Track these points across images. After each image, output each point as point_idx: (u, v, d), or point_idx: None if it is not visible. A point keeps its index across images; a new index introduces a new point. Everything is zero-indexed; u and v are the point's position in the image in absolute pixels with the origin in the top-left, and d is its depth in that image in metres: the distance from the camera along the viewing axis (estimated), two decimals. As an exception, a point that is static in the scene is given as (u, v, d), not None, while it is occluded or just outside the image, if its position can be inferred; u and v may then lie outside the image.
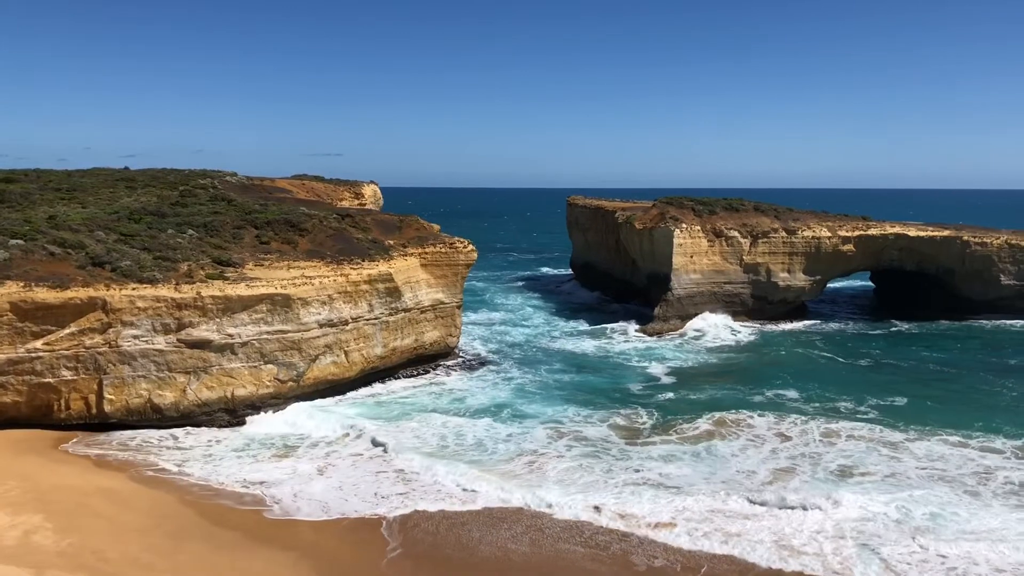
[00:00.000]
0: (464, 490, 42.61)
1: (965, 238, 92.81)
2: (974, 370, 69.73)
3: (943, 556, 35.44)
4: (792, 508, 40.04)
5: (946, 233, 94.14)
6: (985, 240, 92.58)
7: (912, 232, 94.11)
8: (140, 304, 50.28)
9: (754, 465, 46.58)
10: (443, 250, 70.04)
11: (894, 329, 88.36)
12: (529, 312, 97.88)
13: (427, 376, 66.19)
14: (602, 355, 74.84)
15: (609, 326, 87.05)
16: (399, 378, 64.91)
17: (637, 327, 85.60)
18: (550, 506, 40.49)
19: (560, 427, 53.20)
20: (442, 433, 51.59)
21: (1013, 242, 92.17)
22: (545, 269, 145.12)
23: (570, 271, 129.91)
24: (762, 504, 40.75)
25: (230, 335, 52.60)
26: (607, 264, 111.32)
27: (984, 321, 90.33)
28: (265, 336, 54.00)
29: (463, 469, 45.12)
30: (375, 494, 41.99)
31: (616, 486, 43.08)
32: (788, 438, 51.21)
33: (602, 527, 38.51)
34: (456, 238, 72.83)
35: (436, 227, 76.20)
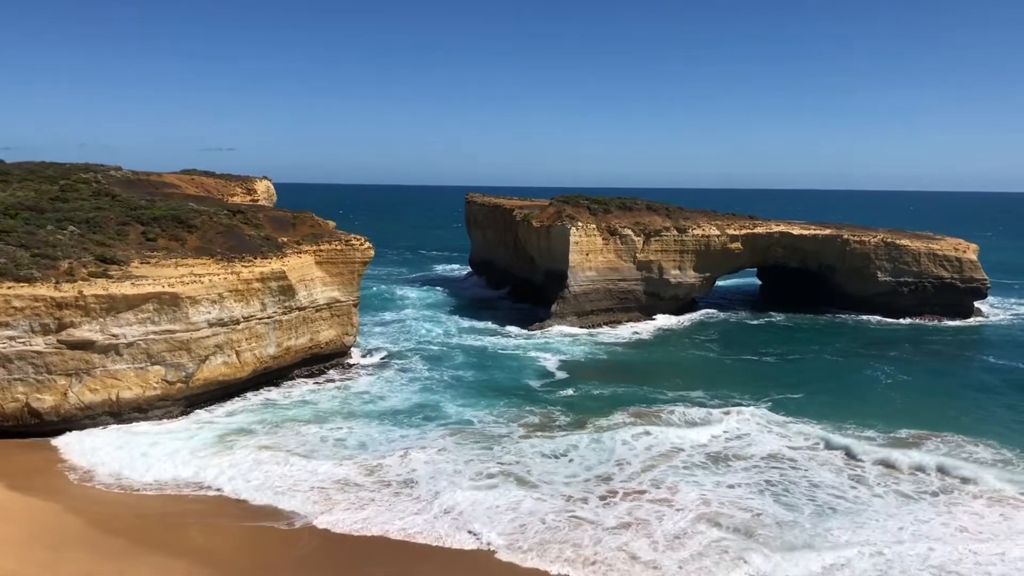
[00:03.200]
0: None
1: (845, 236, 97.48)
2: (853, 363, 73.22)
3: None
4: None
5: (827, 232, 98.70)
6: (863, 239, 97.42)
7: (796, 231, 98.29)
8: (16, 304, 47.72)
9: (630, 458, 47.43)
10: (339, 247, 69.09)
11: (779, 324, 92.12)
12: (429, 310, 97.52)
13: (325, 376, 65.26)
14: (501, 352, 75.27)
15: (508, 323, 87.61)
16: (296, 379, 63.78)
17: (536, 324, 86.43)
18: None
19: (454, 425, 53.26)
20: (322, 435, 50.64)
21: (889, 240, 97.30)
22: (445, 267, 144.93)
23: (469, 269, 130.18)
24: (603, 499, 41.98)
25: (114, 335, 50.51)
26: (506, 262, 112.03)
27: (863, 316, 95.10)
28: (152, 336, 52.07)
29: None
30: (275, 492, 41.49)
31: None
32: (683, 434, 52.17)
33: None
34: (352, 235, 71.93)
35: (332, 224, 75.05)
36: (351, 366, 68.41)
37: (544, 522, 38.55)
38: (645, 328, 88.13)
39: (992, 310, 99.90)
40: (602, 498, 41.57)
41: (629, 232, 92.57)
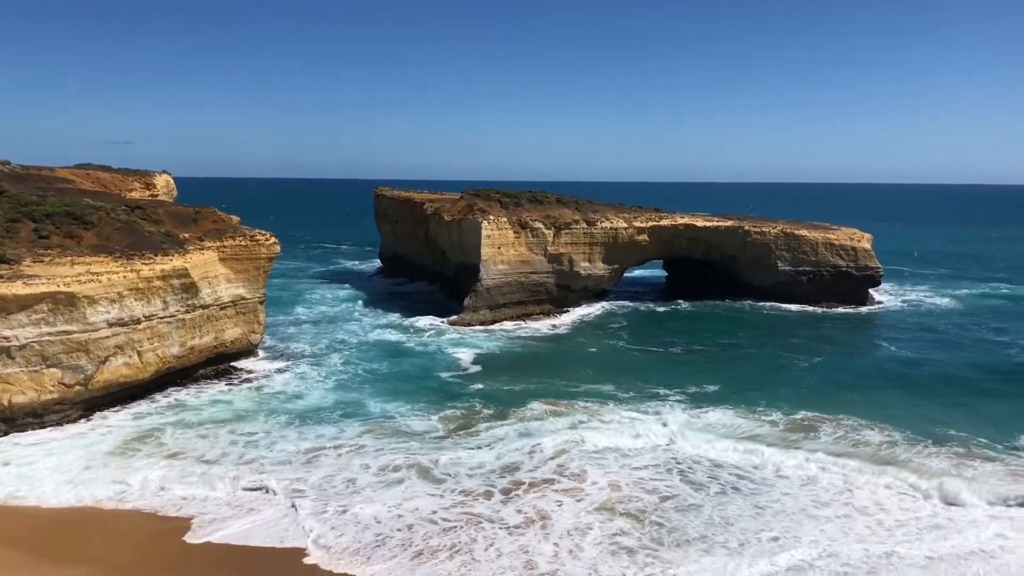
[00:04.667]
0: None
1: (746, 228, 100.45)
2: (756, 351, 75.70)
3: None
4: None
5: (729, 223, 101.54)
6: (764, 230, 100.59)
7: (700, 223, 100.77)
8: None
9: (541, 448, 47.92)
10: (243, 243, 67.56)
11: (686, 313, 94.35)
12: (341, 305, 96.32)
13: (239, 375, 63.84)
14: (417, 347, 74.96)
15: (421, 317, 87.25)
16: (207, 379, 62.19)
17: (449, 318, 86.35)
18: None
19: (374, 421, 52.89)
20: (233, 438, 49.41)
21: (788, 231, 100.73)
22: (356, 262, 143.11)
23: (379, 263, 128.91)
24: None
25: (6, 337, 48.25)
26: (416, 256, 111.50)
27: (764, 304, 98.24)
28: (47, 338, 49.94)
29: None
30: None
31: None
32: (597, 425, 53.15)
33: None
34: (257, 230, 70.41)
35: (236, 219, 73.26)
36: (264, 364, 67.03)
37: (437, 523, 38.20)
38: (557, 320, 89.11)
39: (886, 297, 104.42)
40: (506, 492, 41.88)
41: (540, 225, 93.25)
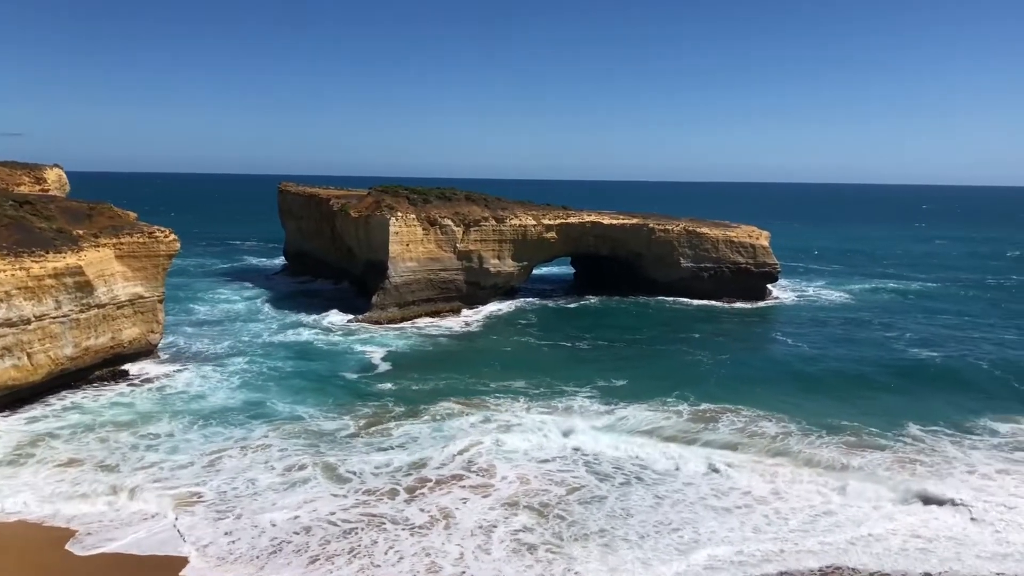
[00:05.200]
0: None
1: (651, 225, 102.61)
2: (661, 345, 77.39)
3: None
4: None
5: (634, 221, 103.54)
6: (667, 227, 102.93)
7: (606, 220, 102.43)
8: None
9: (450, 445, 48.02)
10: (141, 240, 65.34)
11: (593, 309, 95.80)
12: (246, 303, 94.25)
13: (141, 376, 61.69)
14: (324, 346, 73.94)
15: (328, 316, 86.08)
16: (107, 380, 59.90)
17: (357, 316, 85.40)
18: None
19: (282, 422, 52.03)
20: (133, 442, 47.78)
21: (690, 229, 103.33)
22: (260, 259, 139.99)
23: (284, 260, 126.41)
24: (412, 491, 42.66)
25: None
26: (323, 253, 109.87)
27: (668, 299, 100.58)
28: (-74, 340, 47.26)
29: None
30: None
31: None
32: (509, 421, 53.54)
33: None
34: (156, 227, 68.16)
35: (133, 215, 70.77)
36: (165, 365, 64.94)
37: (337, 525, 37.51)
38: (467, 317, 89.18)
39: (783, 292, 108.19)
40: (412, 490, 41.66)
41: (449, 222, 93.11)
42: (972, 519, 38.91)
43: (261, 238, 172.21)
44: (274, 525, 37.26)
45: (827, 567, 34.48)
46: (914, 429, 52.17)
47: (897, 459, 47.07)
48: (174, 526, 37.20)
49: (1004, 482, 43.45)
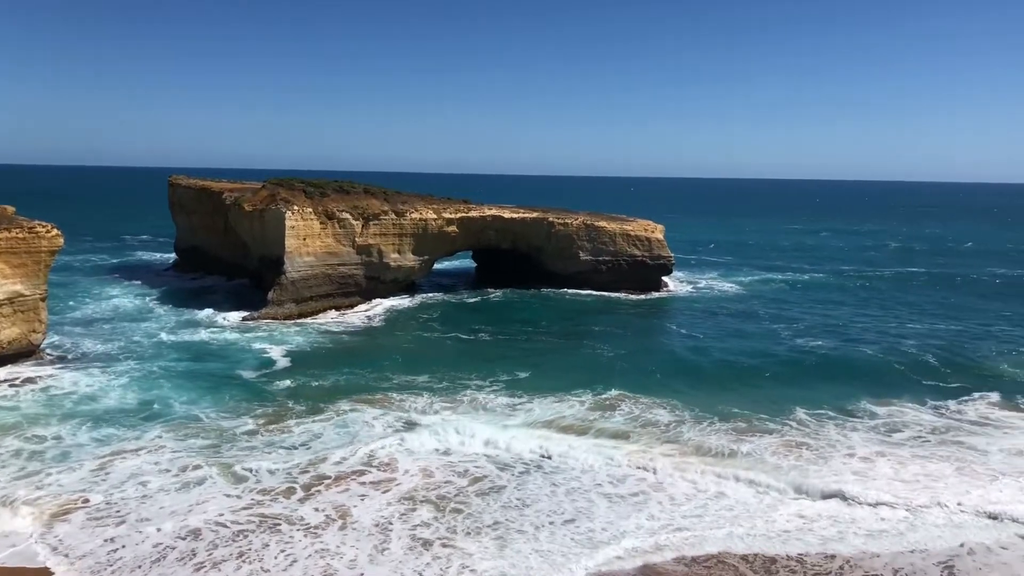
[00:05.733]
0: None
1: (551, 219, 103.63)
2: (563, 337, 78.24)
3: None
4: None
5: (535, 215, 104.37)
6: (567, 221, 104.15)
7: (507, 214, 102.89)
8: None
9: (354, 441, 47.62)
10: (20, 235, 62.05)
11: (495, 303, 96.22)
12: (135, 302, 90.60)
13: (23, 377, 58.53)
14: (221, 344, 71.82)
15: (223, 313, 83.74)
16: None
17: (252, 312, 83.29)
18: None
19: (178, 422, 50.35)
20: (16, 447, 45.36)
21: (589, 223, 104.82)
22: (150, 254, 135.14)
23: (175, 256, 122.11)
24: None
25: None
26: (216, 248, 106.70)
27: (568, 292, 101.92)
28: None
29: None
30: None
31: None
32: (412, 416, 53.01)
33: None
34: (37, 222, 64.83)
35: (11, 209, 67.16)
36: (49, 367, 61.83)
37: (228, 527, 36.27)
38: (368, 312, 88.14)
39: (678, 284, 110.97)
40: (308, 487, 40.77)
41: (347, 216, 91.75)
42: (852, 500, 40.58)
43: (152, 233, 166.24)
44: (159, 530, 35.76)
45: (723, 552, 35.35)
46: (801, 413, 54.27)
47: (784, 443, 48.81)
48: (43, 537, 35.05)
49: (880, 464, 45.56)
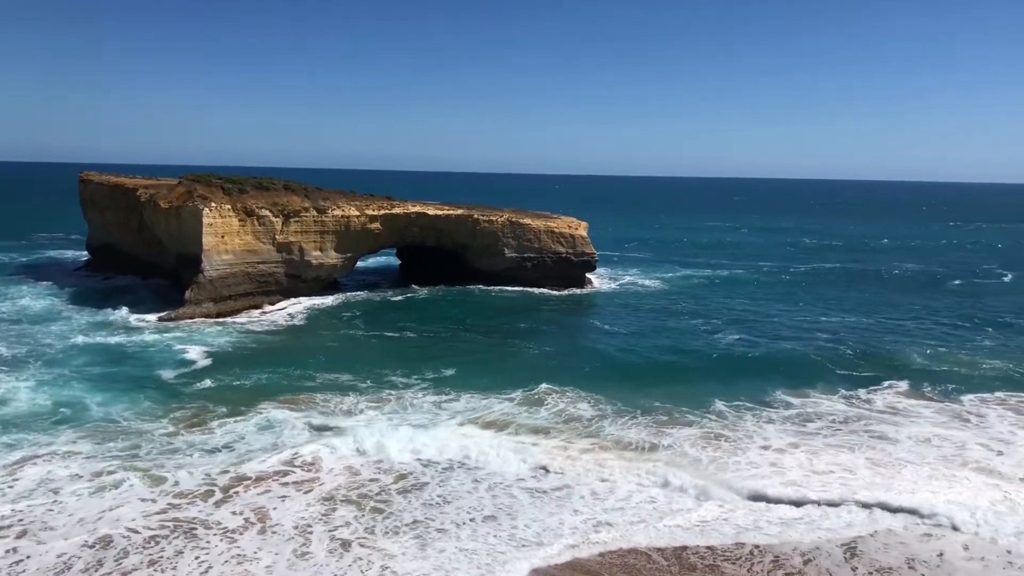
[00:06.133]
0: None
1: (476, 216, 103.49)
2: (489, 334, 78.10)
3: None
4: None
5: (459, 212, 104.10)
6: (492, 218, 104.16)
7: (431, 211, 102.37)
8: None
9: (277, 441, 46.91)
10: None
11: (420, 300, 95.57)
12: (44, 302, 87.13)
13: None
14: (138, 345, 69.52)
15: (139, 313, 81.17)
16: None
17: (170, 312, 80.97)
18: None
19: (93, 425, 48.67)
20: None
21: (514, 220, 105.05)
22: (60, 252, 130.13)
23: (87, 255, 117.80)
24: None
25: None
26: (131, 246, 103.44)
27: (493, 288, 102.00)
28: None
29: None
30: None
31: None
32: (337, 415, 52.34)
33: None
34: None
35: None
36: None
37: (140, 533, 35.04)
38: (289, 311, 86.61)
39: (601, 280, 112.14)
40: (227, 489, 39.88)
41: (267, 213, 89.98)
42: (767, 492, 41.42)
43: (63, 230, 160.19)
44: (66, 539, 34.36)
45: (648, 546, 35.67)
46: (720, 405, 55.43)
47: (704, 435, 49.73)
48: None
49: (795, 455, 46.75)
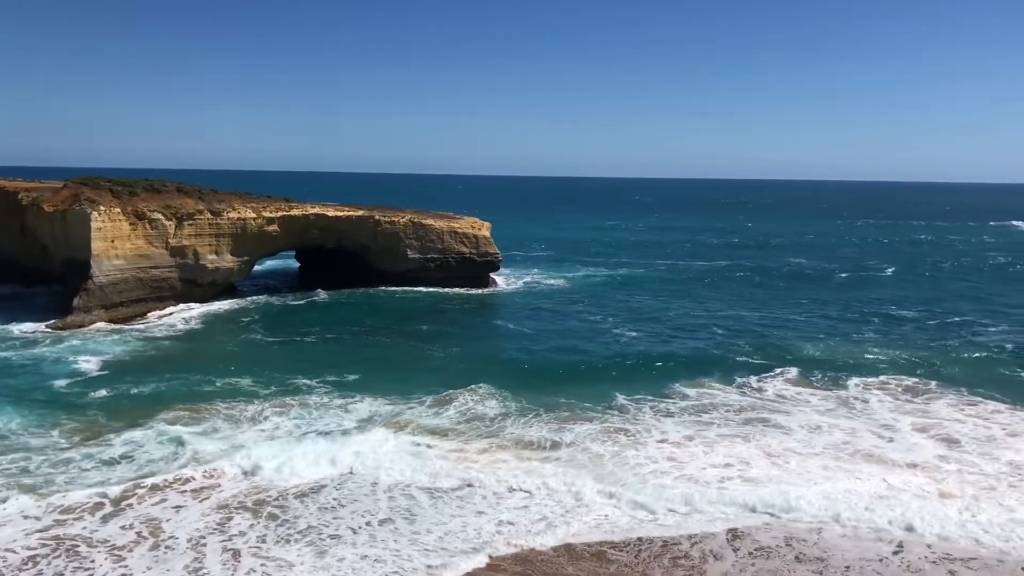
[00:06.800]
0: None
1: (377, 217, 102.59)
2: (392, 336, 77.41)
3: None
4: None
5: (360, 213, 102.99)
6: (393, 219, 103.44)
7: (331, 213, 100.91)
8: None
9: (180, 453, 45.45)
10: None
11: (321, 304, 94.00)
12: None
13: None
14: (20, 357, 65.94)
15: (22, 323, 77.26)
16: None
17: (57, 321, 77.42)
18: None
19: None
20: None
21: (416, 220, 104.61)
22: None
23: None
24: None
25: None
26: (12, 251, 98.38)
27: (396, 290, 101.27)
28: None
29: None
30: None
31: None
32: (239, 422, 51.09)
33: None
34: None
35: None
36: None
37: (17, 553, 33.08)
38: (185, 317, 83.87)
39: (505, 280, 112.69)
40: (118, 502, 38.32)
41: (160, 216, 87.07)
42: (666, 486, 42.02)
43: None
44: (-68, 567, 32.38)
45: (558, 544, 35.90)
46: (621, 399, 56.46)
47: (604, 430, 50.48)
48: None
49: (691, 448, 47.84)
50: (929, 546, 36.20)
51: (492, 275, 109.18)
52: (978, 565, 34.62)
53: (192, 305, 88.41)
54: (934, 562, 34.91)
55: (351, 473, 42.87)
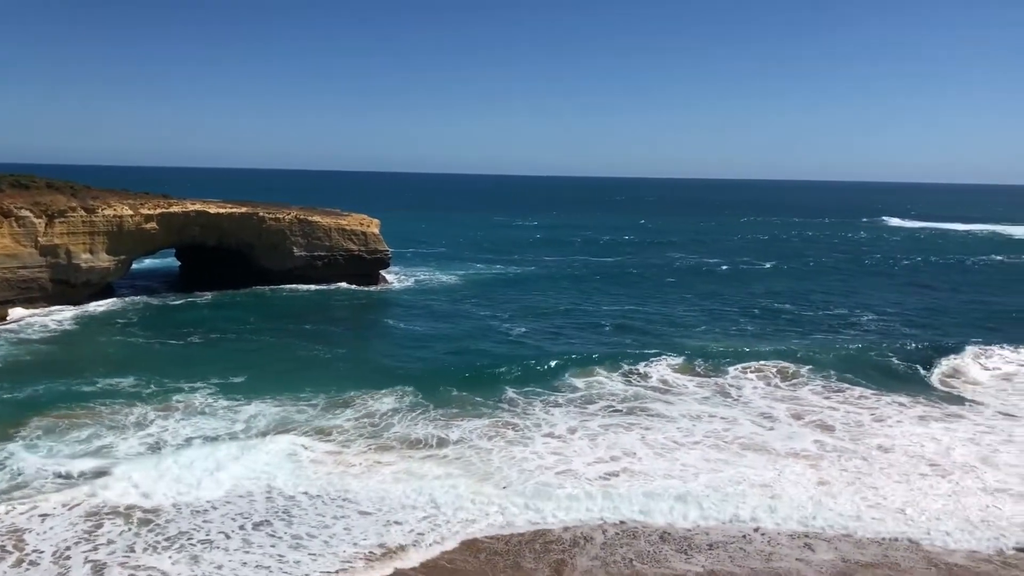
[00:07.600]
0: None
1: (261, 214, 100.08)
2: (280, 336, 75.50)
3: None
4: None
5: (243, 210, 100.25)
6: (279, 216, 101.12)
7: (212, 209, 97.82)
8: None
9: (46, 466, 43.19)
10: None
11: (203, 304, 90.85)
12: None
13: None
14: None
15: None
16: None
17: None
18: None
19: None
20: None
21: (302, 217, 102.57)
22: None
23: None
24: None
25: None
26: None
27: (283, 287, 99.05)
28: None
29: None
30: None
31: None
32: (121, 428, 48.76)
33: None
34: None
35: None
36: None
37: None
38: (58, 318, 79.54)
39: (396, 277, 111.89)
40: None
41: (28, 214, 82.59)
42: (551, 485, 42.06)
43: None
44: None
45: (462, 543, 35.81)
46: (511, 393, 57.11)
47: (493, 424, 50.78)
48: None
49: (575, 441, 48.38)
50: (792, 529, 38.10)
51: (383, 272, 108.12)
52: (832, 535, 37.23)
53: (66, 307, 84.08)
54: (791, 536, 37.23)
55: (234, 478, 41.62)
